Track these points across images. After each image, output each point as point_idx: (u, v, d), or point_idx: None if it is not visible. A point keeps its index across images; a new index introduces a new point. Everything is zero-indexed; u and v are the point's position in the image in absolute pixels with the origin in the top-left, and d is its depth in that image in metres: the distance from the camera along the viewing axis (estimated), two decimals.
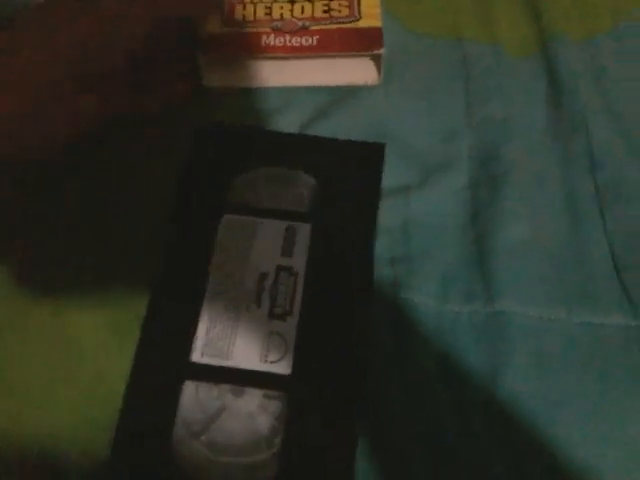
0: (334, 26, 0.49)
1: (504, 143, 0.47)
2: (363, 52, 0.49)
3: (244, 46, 0.49)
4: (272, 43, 0.49)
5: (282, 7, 0.50)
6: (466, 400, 0.39)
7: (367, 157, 0.46)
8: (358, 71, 0.50)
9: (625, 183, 0.46)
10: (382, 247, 0.43)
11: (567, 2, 0.53)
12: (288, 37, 0.49)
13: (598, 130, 0.48)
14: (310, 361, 0.38)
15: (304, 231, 0.42)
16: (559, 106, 0.49)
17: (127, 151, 0.47)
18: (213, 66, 0.50)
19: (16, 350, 0.40)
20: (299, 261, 0.41)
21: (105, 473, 0.36)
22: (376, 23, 0.49)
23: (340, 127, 0.48)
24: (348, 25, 0.49)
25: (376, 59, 0.49)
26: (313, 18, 0.50)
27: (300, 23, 0.49)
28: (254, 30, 0.49)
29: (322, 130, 0.48)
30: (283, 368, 0.38)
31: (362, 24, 0.49)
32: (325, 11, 0.50)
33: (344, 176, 0.45)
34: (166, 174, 0.46)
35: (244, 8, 0.50)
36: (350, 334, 0.39)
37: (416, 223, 0.44)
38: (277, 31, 0.49)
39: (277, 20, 0.50)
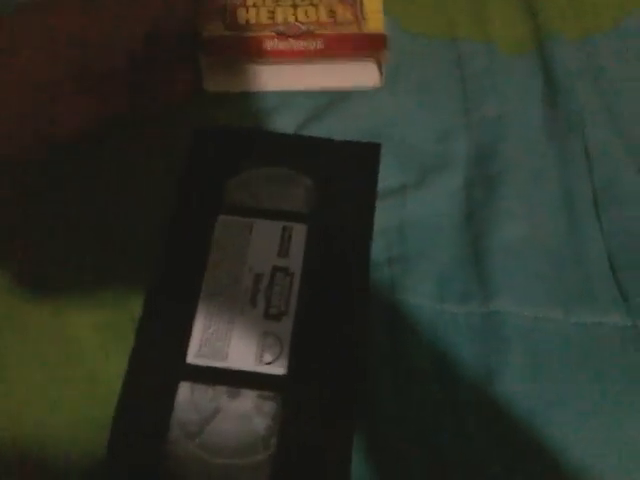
0: (338, 30, 0.49)
1: (500, 142, 0.47)
2: (368, 56, 0.49)
3: (247, 49, 0.49)
4: (276, 47, 0.49)
5: (285, 11, 0.50)
6: (462, 400, 0.39)
7: (363, 157, 0.46)
8: (360, 75, 0.50)
9: (622, 183, 0.46)
10: (378, 247, 0.43)
11: (563, 1, 0.53)
12: (292, 41, 0.49)
13: (595, 129, 0.48)
14: (305, 362, 0.38)
15: (300, 231, 0.42)
16: (555, 105, 0.49)
17: (127, 151, 0.47)
18: (214, 69, 0.49)
19: (15, 350, 0.40)
20: (295, 261, 0.41)
21: (100, 474, 0.37)
22: (380, 28, 0.49)
23: (335, 128, 0.48)
24: (352, 29, 0.49)
25: (380, 63, 0.49)
26: (317, 22, 0.49)
27: (304, 27, 0.49)
28: (257, 34, 0.49)
29: (318, 131, 0.48)
30: (278, 369, 0.38)
31: (366, 28, 0.49)
32: (329, 15, 0.50)
33: (340, 176, 0.45)
34: (166, 174, 0.46)
35: (247, 11, 0.50)
36: (346, 335, 0.39)
37: (412, 223, 0.44)
38: (281, 35, 0.49)
39: (280, 24, 0.49)
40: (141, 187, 0.46)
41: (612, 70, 0.50)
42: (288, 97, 0.49)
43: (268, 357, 0.38)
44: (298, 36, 0.49)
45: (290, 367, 0.38)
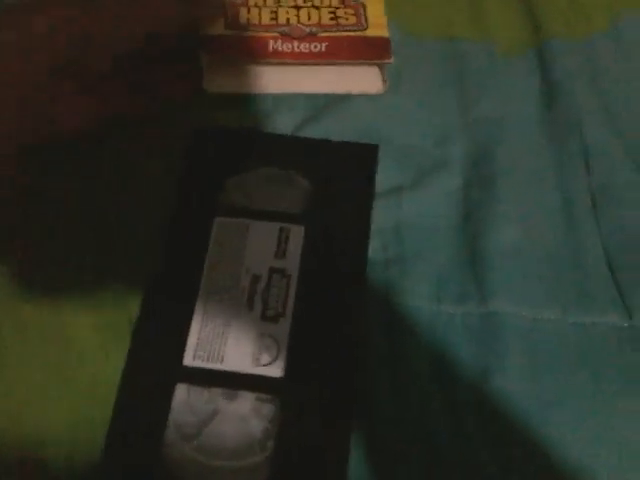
0: (342, 34, 0.49)
1: (498, 143, 0.47)
2: (372, 61, 0.49)
3: (248, 49, 0.48)
4: (279, 48, 0.48)
5: (287, 12, 0.50)
6: (459, 400, 0.39)
7: (360, 158, 0.46)
8: (363, 80, 0.49)
9: (620, 184, 0.46)
10: (375, 249, 0.43)
11: (562, 2, 0.53)
12: (296, 43, 0.48)
13: (593, 130, 0.48)
14: (303, 364, 0.38)
15: (297, 233, 0.42)
16: (554, 106, 0.49)
17: (127, 151, 0.47)
18: (215, 69, 0.49)
19: (15, 350, 0.40)
20: (292, 263, 0.41)
21: (97, 476, 0.37)
22: (383, 32, 0.49)
23: (333, 129, 0.48)
24: (356, 33, 0.49)
25: (383, 69, 0.49)
26: (320, 25, 0.49)
27: (307, 29, 0.49)
28: (260, 34, 0.49)
29: (315, 132, 0.48)
30: (275, 371, 0.38)
31: (370, 33, 0.49)
32: (332, 18, 0.49)
33: (338, 177, 0.45)
34: (166, 174, 0.46)
35: (249, 12, 0.50)
36: (343, 336, 0.39)
37: (409, 225, 0.44)
38: (285, 36, 0.48)
39: (283, 25, 0.49)
40: (141, 187, 0.46)
41: (610, 70, 0.50)
42: (287, 98, 0.49)
43: (265, 359, 0.38)
44: (302, 38, 0.48)
45: (287, 369, 0.38)
